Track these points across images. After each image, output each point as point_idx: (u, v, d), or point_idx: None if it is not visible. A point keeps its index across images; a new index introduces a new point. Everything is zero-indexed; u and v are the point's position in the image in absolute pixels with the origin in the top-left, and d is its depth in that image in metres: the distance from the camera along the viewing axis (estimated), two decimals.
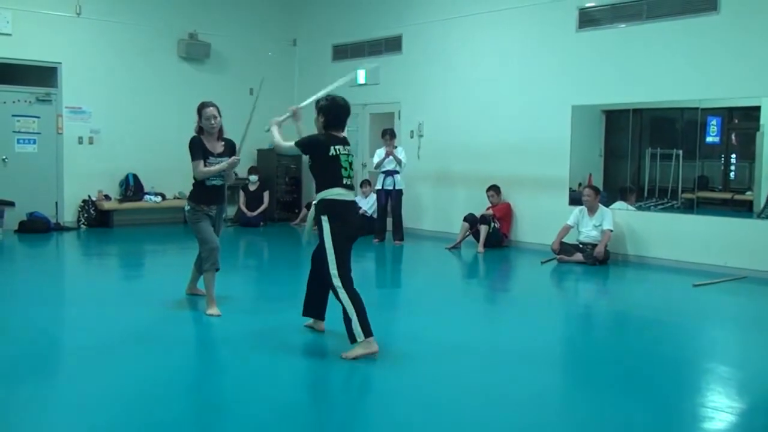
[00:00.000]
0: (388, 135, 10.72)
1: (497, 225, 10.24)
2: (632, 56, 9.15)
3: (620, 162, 9.91)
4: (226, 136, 6.28)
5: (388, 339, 5.35)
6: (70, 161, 11.81)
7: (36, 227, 11.10)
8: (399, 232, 10.82)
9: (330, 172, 4.90)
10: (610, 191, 9.70)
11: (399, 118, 12.29)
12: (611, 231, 8.95)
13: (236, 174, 5.99)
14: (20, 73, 11.49)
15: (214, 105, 6.08)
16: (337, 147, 4.94)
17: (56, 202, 11.77)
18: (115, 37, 12.11)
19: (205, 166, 5.87)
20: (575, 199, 9.63)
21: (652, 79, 8.96)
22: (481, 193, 10.54)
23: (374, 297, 7.31)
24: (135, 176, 12.26)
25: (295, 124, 5.58)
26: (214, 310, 5.87)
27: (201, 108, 6.04)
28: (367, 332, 4.71)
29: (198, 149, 5.90)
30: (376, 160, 10.80)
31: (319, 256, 5.03)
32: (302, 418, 3.82)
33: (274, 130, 5.42)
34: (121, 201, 12.10)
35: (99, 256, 9.78)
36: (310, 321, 5.43)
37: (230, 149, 6.15)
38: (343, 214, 4.89)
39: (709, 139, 8.90)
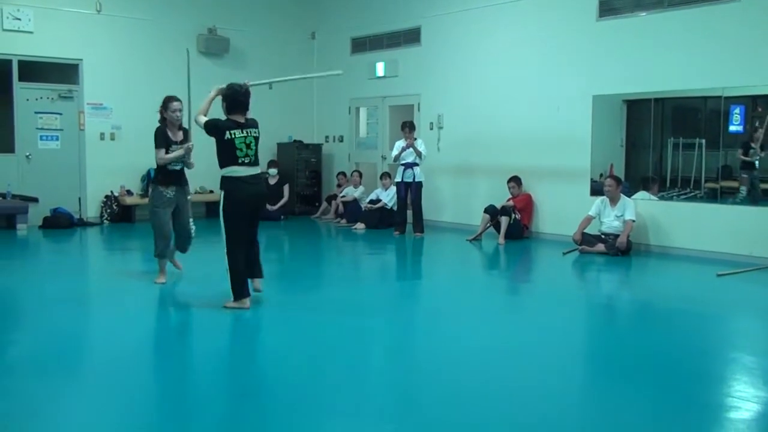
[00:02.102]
0: (408, 127, 10.70)
1: (518, 216, 10.20)
2: (653, 45, 9.06)
3: (642, 152, 9.83)
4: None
5: (408, 331, 5.37)
6: (93, 157, 11.92)
7: (59, 223, 11.21)
8: (419, 224, 10.81)
9: (227, 152, 5.66)
10: (632, 181, 9.62)
11: (418, 110, 12.26)
12: (633, 221, 8.89)
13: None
14: (42, 70, 11.60)
15: (179, 100, 6.85)
16: (233, 131, 5.65)
17: (79, 198, 11.88)
18: (135, 33, 12.19)
19: (167, 153, 6.60)
20: (597, 190, 9.57)
21: (673, 67, 8.87)
22: (501, 184, 10.50)
23: (395, 289, 7.34)
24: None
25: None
26: (161, 279, 6.79)
27: (167, 101, 6.78)
28: (238, 295, 5.68)
29: (162, 138, 6.63)
30: (394, 152, 10.79)
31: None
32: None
33: (206, 101, 6.00)
34: (143, 196, 12.17)
35: (122, 251, 9.86)
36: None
37: (186, 136, 6.88)
38: (235, 191, 5.67)
39: (732, 127, 8.80)
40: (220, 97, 5.86)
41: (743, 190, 8.79)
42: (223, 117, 5.82)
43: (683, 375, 4.41)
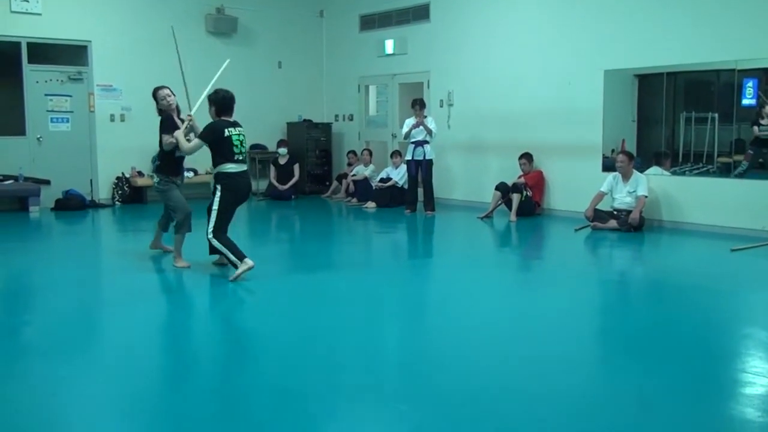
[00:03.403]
0: (418, 105, 10.65)
1: (529, 193, 10.17)
2: (666, 18, 8.95)
3: (654, 127, 9.74)
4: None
5: (420, 309, 5.37)
6: (103, 139, 11.93)
7: (71, 205, 11.25)
8: (430, 202, 10.79)
9: (224, 150, 6.14)
10: (644, 157, 9.55)
11: (428, 88, 12.20)
12: (646, 197, 8.84)
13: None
14: (51, 52, 11.60)
15: (165, 87, 6.98)
16: (229, 129, 6.18)
17: (91, 180, 11.91)
18: (143, 13, 12.14)
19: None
20: (609, 166, 9.51)
21: (686, 41, 8.77)
22: (512, 161, 10.45)
23: (407, 268, 7.34)
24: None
25: (194, 127, 6.68)
26: (182, 263, 6.72)
27: (156, 92, 6.93)
28: (240, 256, 6.08)
29: (169, 125, 6.70)
30: (405, 130, 10.75)
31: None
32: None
33: (179, 136, 6.43)
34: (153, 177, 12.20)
35: (134, 232, 9.88)
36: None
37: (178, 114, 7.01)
38: (232, 185, 6.18)
39: (745, 101, 8.69)
40: (206, 102, 6.43)
41: (744, 164, 8.73)
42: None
43: (697, 351, 4.40)
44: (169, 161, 6.81)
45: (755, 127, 8.63)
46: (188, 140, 6.44)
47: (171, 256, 6.95)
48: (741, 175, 8.68)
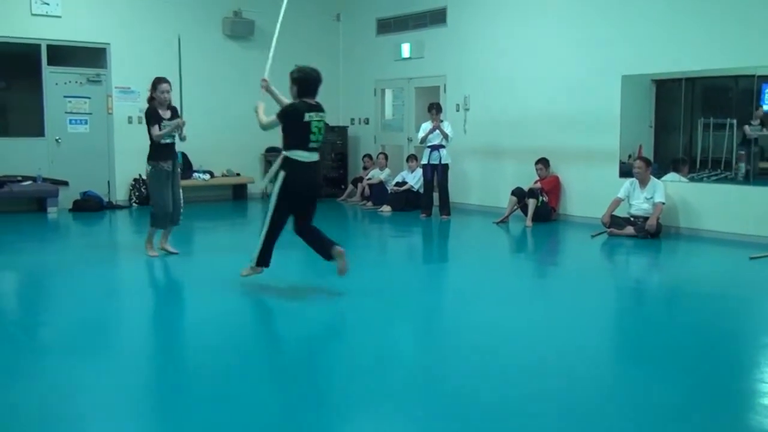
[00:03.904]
0: (435, 109, 10.64)
1: (545, 198, 10.13)
2: (684, 24, 8.90)
3: (671, 133, 9.68)
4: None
5: (435, 314, 5.36)
6: (121, 141, 12.00)
7: (89, 206, 11.33)
8: (446, 206, 10.77)
9: (299, 135, 5.57)
10: (662, 163, 9.49)
11: (445, 92, 12.18)
12: (663, 203, 8.78)
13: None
14: (71, 54, 11.69)
15: (168, 81, 7.32)
16: (310, 114, 5.57)
17: (108, 181, 11.99)
18: (162, 16, 12.21)
19: (160, 128, 7.09)
20: (626, 172, 9.46)
21: (705, 46, 8.71)
22: (529, 166, 10.42)
23: (422, 272, 7.33)
24: (183, 154, 12.37)
25: (274, 96, 6.22)
26: (152, 252, 7.26)
27: (157, 83, 7.28)
28: (261, 263, 5.80)
29: (153, 116, 7.14)
30: (420, 134, 10.75)
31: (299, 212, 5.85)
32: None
33: (259, 110, 6.02)
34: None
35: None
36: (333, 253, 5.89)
37: (174, 113, 7.32)
38: (298, 174, 5.62)
39: (765, 107, 8.63)
40: (289, 81, 5.78)
41: (742, 166, 8.75)
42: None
43: (715, 360, 4.36)
44: (157, 147, 7.17)
45: (746, 127, 8.62)
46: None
47: (177, 257, 7.18)
48: (745, 177, 8.71)
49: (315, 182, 5.93)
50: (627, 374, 4.23)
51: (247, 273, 5.93)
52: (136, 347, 4.63)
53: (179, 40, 7.55)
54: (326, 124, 5.80)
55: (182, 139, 7.33)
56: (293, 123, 5.57)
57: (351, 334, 4.90)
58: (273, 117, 5.70)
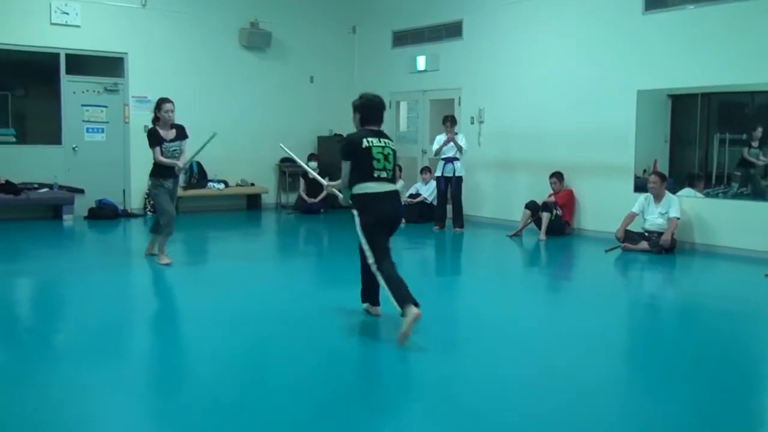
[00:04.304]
0: (449, 121, 10.66)
1: (559, 212, 10.10)
2: (701, 39, 8.87)
3: (687, 148, 9.64)
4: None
5: (448, 326, 5.34)
6: (137, 149, 12.03)
7: (104, 214, 11.41)
8: (459, 219, 10.76)
9: (361, 166, 5.02)
10: (677, 178, 9.45)
11: (459, 104, 12.19)
12: (678, 219, 8.74)
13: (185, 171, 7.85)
14: (89, 63, 11.80)
15: (171, 101, 7.41)
16: (370, 139, 5.06)
17: (123, 190, 12.07)
18: (179, 27, 12.32)
19: (162, 150, 7.32)
20: (640, 186, 9.42)
21: (721, 61, 8.68)
22: (543, 179, 10.40)
23: (435, 285, 7.31)
24: (199, 164, 12.46)
25: (334, 188, 5.74)
26: (165, 260, 7.40)
27: (161, 103, 7.37)
28: (403, 302, 4.73)
29: (155, 139, 7.34)
30: (435, 146, 10.76)
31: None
32: (358, 400, 3.84)
33: (334, 190, 5.76)
34: (185, 188, 12.31)
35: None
36: (366, 305, 5.54)
37: (180, 132, 7.49)
38: (371, 208, 5.01)
39: None
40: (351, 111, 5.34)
41: (734, 186, 8.91)
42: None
43: (729, 377, 4.32)
44: (158, 166, 7.41)
45: (745, 149, 8.63)
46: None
47: (189, 266, 7.45)
48: (735, 197, 8.87)
49: (396, 213, 5.21)
50: (639, 388, 4.20)
51: (405, 329, 4.70)
52: (149, 354, 4.65)
53: (213, 136, 7.52)
54: (395, 152, 5.19)
55: (177, 173, 7.53)
56: (353, 154, 5.04)
57: (365, 345, 4.89)
58: (344, 164, 5.12)
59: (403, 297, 4.75)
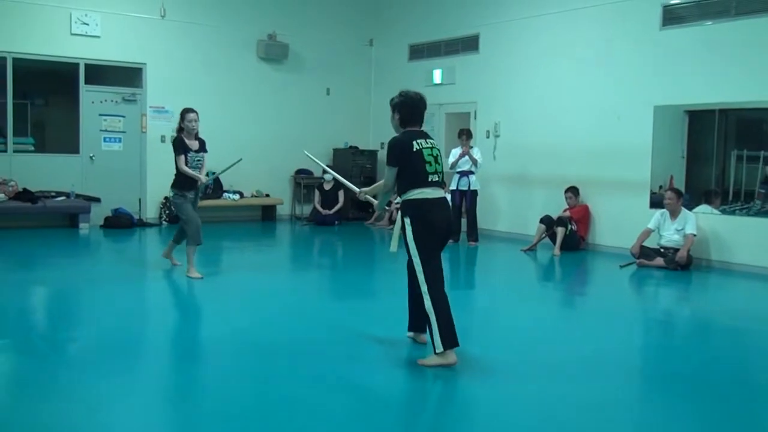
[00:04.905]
0: (465, 135, 10.67)
1: (574, 227, 10.06)
2: (719, 55, 8.84)
3: (704, 164, 9.59)
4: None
5: (462, 342, 5.31)
6: (153, 159, 12.16)
7: (120, 223, 11.48)
8: (473, 232, 10.74)
9: (413, 170, 4.65)
10: (693, 194, 9.39)
11: (475, 118, 12.20)
12: (694, 235, 8.67)
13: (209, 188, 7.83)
14: (108, 73, 11.92)
15: (195, 111, 7.43)
16: (418, 141, 4.70)
17: (139, 199, 12.14)
18: (197, 38, 12.42)
19: (186, 159, 7.29)
20: (656, 202, 9.37)
21: (740, 78, 8.64)
22: (558, 194, 10.37)
23: (449, 298, 7.27)
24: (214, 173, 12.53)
25: (369, 194, 5.39)
26: (195, 274, 7.31)
27: (185, 113, 7.41)
28: (448, 343, 4.45)
29: (181, 147, 7.32)
30: (450, 159, 10.76)
31: (411, 267, 4.74)
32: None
33: (368, 197, 5.39)
34: (201, 198, 12.35)
35: (179, 252, 10.00)
36: (411, 333, 5.16)
37: (202, 145, 7.50)
38: (427, 215, 4.61)
39: None
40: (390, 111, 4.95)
41: (758, 203, 8.80)
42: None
43: (744, 396, 4.28)
44: (181, 177, 7.38)
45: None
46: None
47: (185, 270, 7.39)
48: (759, 214, 8.71)
49: (449, 222, 4.88)
50: (653, 406, 4.16)
51: (433, 363, 4.51)
52: (163, 363, 4.66)
53: (238, 161, 7.86)
54: (440, 153, 4.86)
55: (199, 186, 7.52)
56: (403, 159, 4.66)
57: (374, 362, 4.87)
58: (387, 172, 4.77)
59: (449, 337, 4.46)
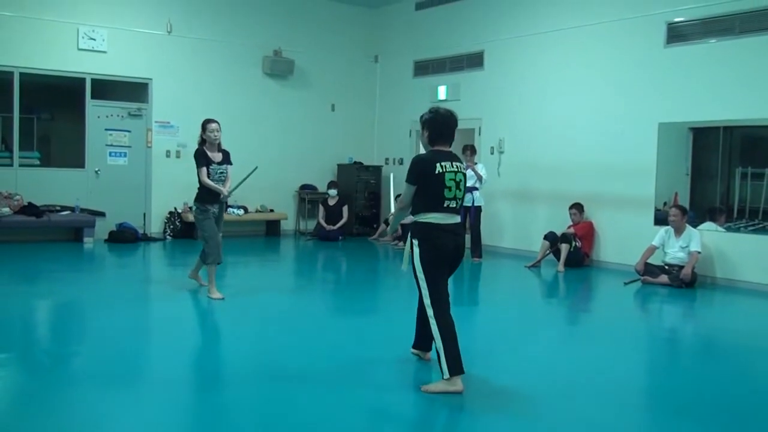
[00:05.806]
0: (469, 151, 10.69)
1: (579, 244, 10.04)
2: (723, 72, 8.86)
3: (708, 181, 9.58)
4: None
5: (464, 359, 5.30)
6: (158, 174, 12.20)
7: (124, 237, 11.49)
8: (478, 249, 10.73)
9: (431, 192, 4.51)
10: (698, 211, 9.38)
11: (479, 134, 12.22)
12: (699, 253, 8.65)
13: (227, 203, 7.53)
14: (114, 88, 11.97)
15: (216, 121, 7.18)
16: (443, 163, 4.53)
17: (144, 214, 12.16)
18: (203, 53, 12.49)
19: (209, 171, 7.04)
20: (661, 219, 9.35)
21: (744, 95, 8.65)
22: (562, 210, 10.36)
23: (454, 315, 7.25)
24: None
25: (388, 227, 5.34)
26: (216, 294, 7.03)
27: (206, 123, 7.15)
28: (454, 370, 4.35)
29: (202, 158, 7.06)
30: None
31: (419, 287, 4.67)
32: None
33: (391, 222, 5.25)
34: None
35: (183, 267, 10.00)
36: (416, 351, 5.13)
37: (226, 156, 7.24)
38: (435, 241, 4.51)
39: None
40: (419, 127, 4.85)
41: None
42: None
43: (750, 417, 4.24)
44: (203, 190, 7.11)
45: None
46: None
47: (206, 289, 7.23)
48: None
49: (459, 249, 4.69)
50: (657, 426, 4.13)
51: (439, 390, 4.39)
52: (168, 380, 4.64)
53: (255, 169, 7.44)
54: (465, 177, 4.70)
55: (223, 200, 7.20)
56: (423, 178, 4.52)
57: (379, 378, 4.86)
58: (406, 189, 4.63)
59: (455, 363, 4.36)
